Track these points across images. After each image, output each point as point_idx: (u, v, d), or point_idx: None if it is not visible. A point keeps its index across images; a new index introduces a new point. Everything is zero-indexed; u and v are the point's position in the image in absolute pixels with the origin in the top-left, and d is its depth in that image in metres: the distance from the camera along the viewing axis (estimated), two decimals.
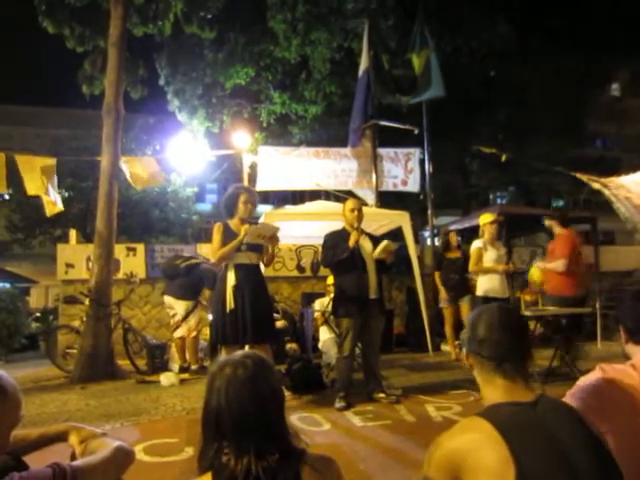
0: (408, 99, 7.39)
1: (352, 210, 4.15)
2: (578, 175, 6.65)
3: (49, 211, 6.53)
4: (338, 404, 3.91)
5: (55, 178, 6.44)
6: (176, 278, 5.82)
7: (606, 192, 6.06)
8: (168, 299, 5.85)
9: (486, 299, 4.73)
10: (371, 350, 4.20)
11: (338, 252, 4.04)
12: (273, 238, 3.91)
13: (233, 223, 3.96)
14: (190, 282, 5.84)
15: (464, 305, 6.23)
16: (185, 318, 5.72)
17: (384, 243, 4.06)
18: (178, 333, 5.81)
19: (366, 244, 4.14)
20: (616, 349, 1.52)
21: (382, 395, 4.07)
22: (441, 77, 7.14)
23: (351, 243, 4.01)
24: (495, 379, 1.19)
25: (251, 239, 3.78)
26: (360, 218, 4.13)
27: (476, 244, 5.15)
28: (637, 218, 5.85)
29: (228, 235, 3.87)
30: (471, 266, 5.14)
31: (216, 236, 3.87)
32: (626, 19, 12.65)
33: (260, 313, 3.83)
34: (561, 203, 19.36)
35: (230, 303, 3.69)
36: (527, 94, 12.82)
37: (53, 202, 6.43)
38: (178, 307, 5.76)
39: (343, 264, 4.07)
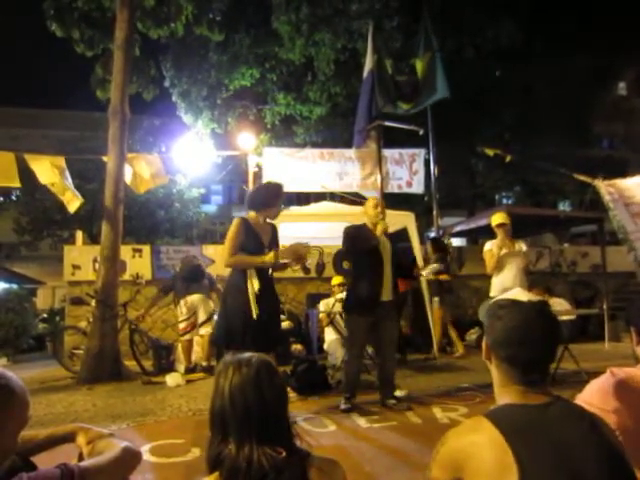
0: (410, 107, 7.33)
1: (375, 206, 4.07)
2: (581, 177, 6.58)
3: (72, 208, 6.33)
4: (343, 405, 3.88)
5: (68, 174, 6.42)
6: (198, 280, 5.90)
7: (606, 197, 5.96)
8: (196, 298, 5.88)
9: None
10: (386, 355, 4.04)
11: (365, 242, 3.94)
12: (303, 258, 3.56)
13: (253, 219, 3.53)
14: (206, 284, 6.00)
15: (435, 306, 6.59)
16: (211, 317, 5.83)
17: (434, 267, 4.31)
18: (193, 335, 5.86)
19: (387, 244, 4.06)
20: (623, 350, 1.51)
21: (394, 402, 3.99)
22: (445, 78, 7.10)
23: (379, 232, 3.92)
24: (512, 382, 1.15)
25: (283, 252, 3.45)
26: (384, 213, 4.07)
27: (487, 246, 5.11)
28: (631, 227, 5.73)
29: (249, 234, 3.44)
30: (488, 270, 5.10)
31: (235, 236, 3.38)
32: (631, 17, 12.58)
33: (278, 321, 3.69)
34: (567, 203, 19.23)
35: (256, 309, 3.32)
36: (533, 94, 12.76)
37: (73, 197, 6.27)
38: (205, 307, 5.87)
39: (362, 259, 3.98)
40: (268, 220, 3.62)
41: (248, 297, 3.33)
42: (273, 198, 3.56)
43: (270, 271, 3.57)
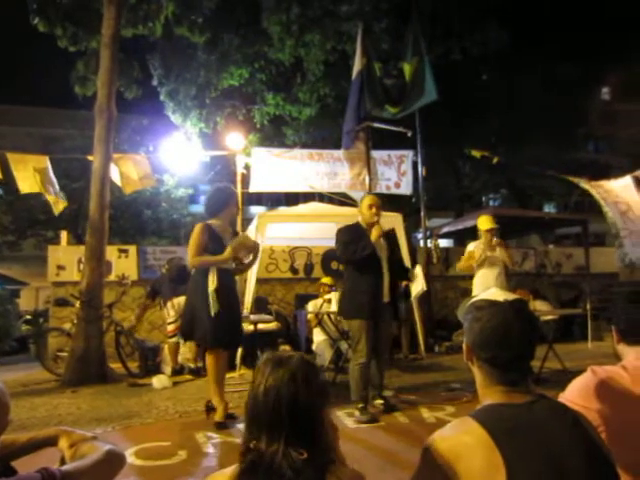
0: (397, 111, 7.36)
1: (370, 207, 3.93)
2: (569, 178, 6.71)
3: (56, 210, 6.46)
4: (362, 417, 3.62)
5: (52, 175, 6.37)
6: (185, 281, 5.80)
7: (596, 195, 6.12)
8: (183, 301, 5.77)
9: None
10: (380, 357, 3.97)
11: (359, 248, 3.77)
12: (254, 251, 3.83)
13: (215, 224, 3.79)
14: None
15: None
16: None
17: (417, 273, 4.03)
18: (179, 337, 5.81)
19: (384, 246, 3.95)
20: (606, 350, 1.54)
21: (381, 402, 3.94)
22: (434, 81, 7.13)
23: (374, 237, 3.79)
24: (495, 382, 1.15)
25: (234, 247, 3.66)
26: (379, 215, 3.94)
27: (470, 247, 5.16)
28: (620, 225, 5.91)
29: (213, 237, 3.70)
30: (457, 265, 5.24)
31: (199, 239, 3.66)
32: (616, 24, 12.82)
33: (238, 318, 3.85)
34: (552, 205, 19.52)
35: (215, 306, 3.54)
36: (520, 97, 12.91)
37: (57, 200, 6.37)
38: None
39: (359, 264, 3.82)
40: (228, 224, 3.90)
41: (207, 294, 3.56)
42: (225, 200, 3.85)
43: (232, 270, 3.83)
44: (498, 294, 1.21)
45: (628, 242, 5.95)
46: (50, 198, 6.36)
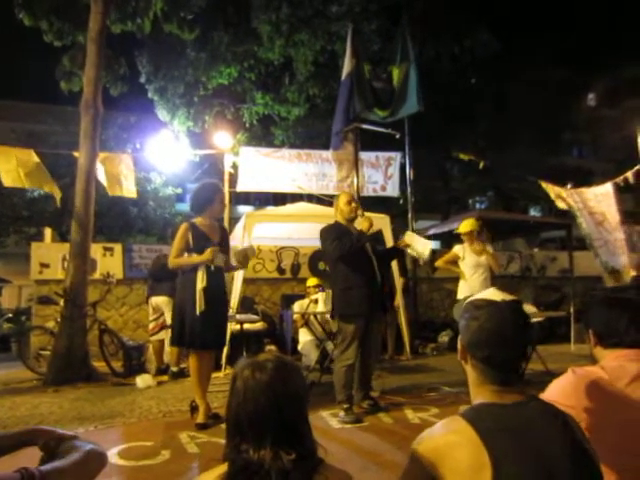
0: (385, 115, 7.39)
1: (349, 202, 3.87)
2: (549, 189, 6.83)
3: (58, 200, 6.59)
4: (346, 417, 3.60)
5: (44, 168, 6.33)
6: (166, 279, 5.74)
7: (573, 206, 6.23)
8: (160, 300, 5.77)
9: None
10: (371, 356, 3.90)
11: (355, 240, 3.66)
12: (254, 254, 3.92)
13: (200, 222, 3.74)
14: (175, 283, 5.83)
15: None
16: None
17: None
18: (162, 335, 5.76)
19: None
20: (588, 351, 1.58)
21: (370, 402, 3.92)
22: (418, 91, 7.11)
23: (365, 228, 3.69)
24: (488, 382, 1.16)
25: (240, 260, 3.79)
26: (358, 209, 3.88)
27: (456, 248, 5.20)
28: (595, 235, 6.02)
29: (199, 236, 3.64)
30: (437, 262, 5.35)
31: (182, 239, 3.63)
32: (603, 33, 13.09)
33: (223, 319, 3.83)
34: (538, 209, 19.79)
35: (201, 305, 3.49)
36: (507, 102, 13.08)
37: (57, 190, 6.43)
38: (170, 310, 5.71)
39: (351, 260, 3.69)
40: (215, 221, 3.86)
41: (194, 293, 3.51)
42: (209, 197, 3.76)
43: (219, 270, 3.77)
44: (496, 294, 1.22)
45: (604, 251, 6.09)
46: (52, 190, 6.42)
